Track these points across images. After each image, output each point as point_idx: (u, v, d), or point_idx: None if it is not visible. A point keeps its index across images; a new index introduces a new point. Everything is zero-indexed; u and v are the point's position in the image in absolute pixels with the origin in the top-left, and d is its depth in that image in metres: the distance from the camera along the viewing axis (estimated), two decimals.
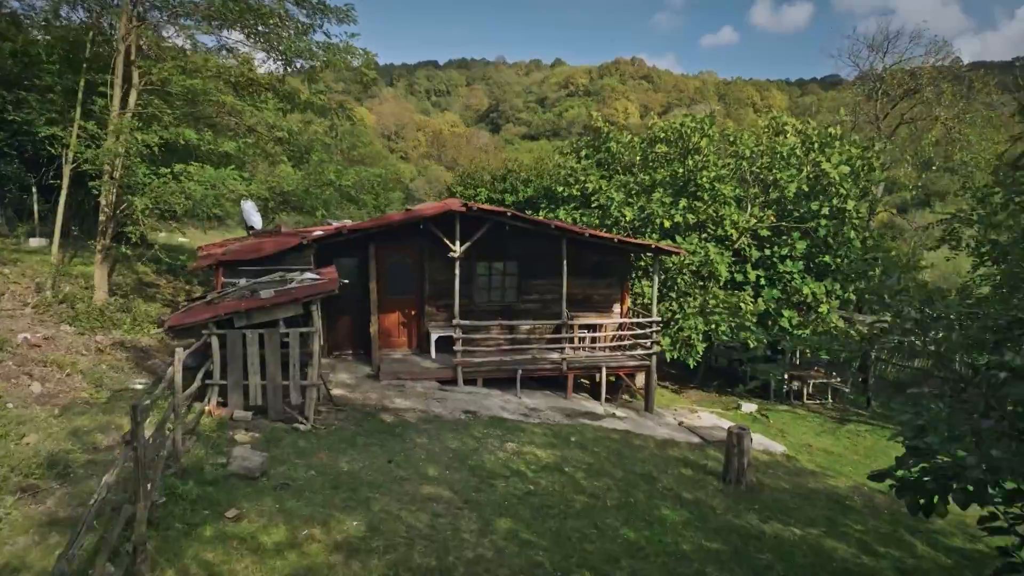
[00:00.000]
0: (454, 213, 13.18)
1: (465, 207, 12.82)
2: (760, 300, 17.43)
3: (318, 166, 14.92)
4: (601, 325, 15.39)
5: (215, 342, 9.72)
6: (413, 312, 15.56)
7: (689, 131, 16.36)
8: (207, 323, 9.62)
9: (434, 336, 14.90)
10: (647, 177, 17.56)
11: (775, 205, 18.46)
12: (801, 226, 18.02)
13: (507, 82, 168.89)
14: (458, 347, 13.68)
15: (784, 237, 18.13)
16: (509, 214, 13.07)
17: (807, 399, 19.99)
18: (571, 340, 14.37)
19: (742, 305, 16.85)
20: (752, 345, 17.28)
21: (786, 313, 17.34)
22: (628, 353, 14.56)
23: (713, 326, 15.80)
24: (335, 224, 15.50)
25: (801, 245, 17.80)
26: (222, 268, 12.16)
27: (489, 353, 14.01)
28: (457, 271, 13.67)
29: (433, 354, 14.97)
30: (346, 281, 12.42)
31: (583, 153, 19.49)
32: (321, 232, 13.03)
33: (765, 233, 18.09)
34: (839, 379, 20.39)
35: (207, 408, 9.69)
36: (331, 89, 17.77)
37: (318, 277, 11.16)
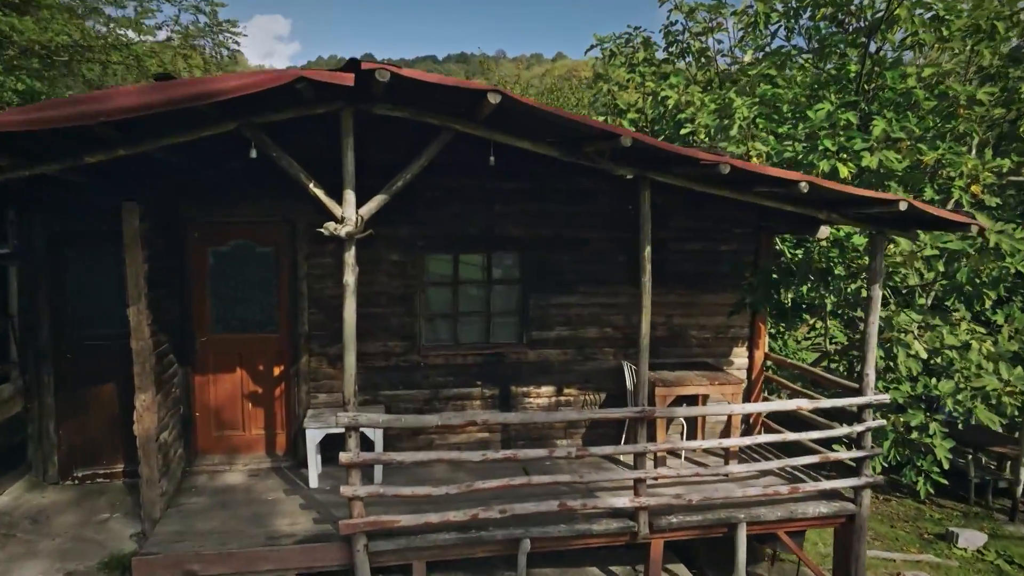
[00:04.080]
0: (334, 91, 4.40)
1: (353, 68, 3.96)
2: (1004, 332, 8.52)
3: None
4: (705, 407, 6.51)
5: None
6: (276, 370, 6.71)
7: None
8: None
9: (314, 437, 6.03)
10: (768, 86, 8.67)
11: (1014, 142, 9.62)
12: None
13: (507, 76, 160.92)
14: (354, 486, 4.84)
15: None
16: (496, 100, 4.17)
17: None
18: (656, 455, 5.48)
19: (973, 343, 7.94)
20: (996, 426, 8.34)
21: None
22: (805, 488, 5.65)
23: (965, 397, 6.90)
24: None
25: None
26: None
27: (446, 499, 5.14)
28: (350, 275, 4.82)
29: (313, 475, 6.12)
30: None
31: (639, 56, 10.57)
32: None
33: (992, 202, 9.18)
34: None
35: None
36: None
37: None
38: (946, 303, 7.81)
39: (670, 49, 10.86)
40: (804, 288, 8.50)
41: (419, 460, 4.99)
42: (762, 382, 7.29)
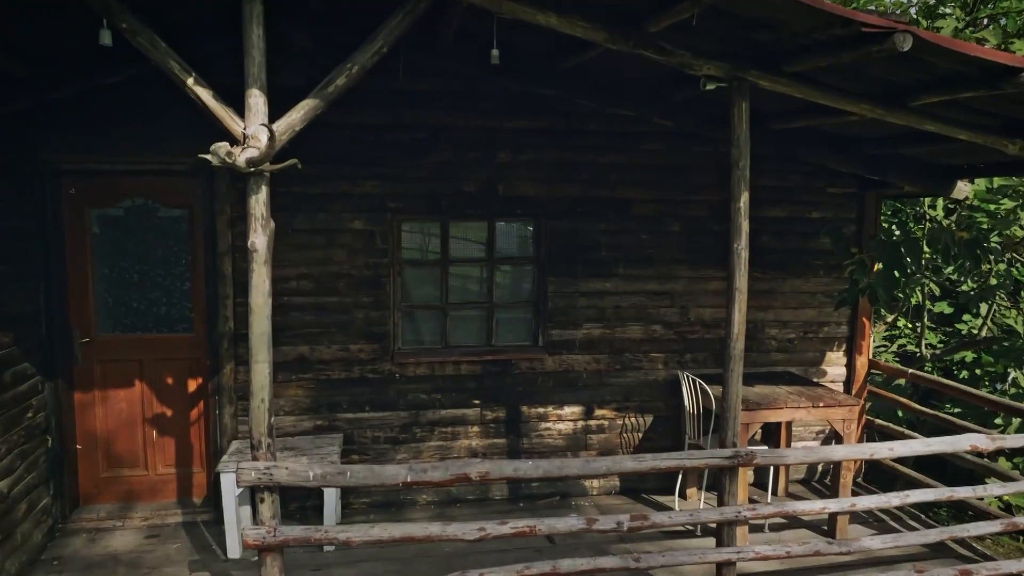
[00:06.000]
0: None
1: None
2: None
3: None
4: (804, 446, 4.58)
5: None
6: (192, 384, 4.78)
7: None
8: None
9: (232, 484, 4.10)
10: None
11: None
12: None
13: None
14: None
15: None
16: None
17: None
18: (741, 520, 3.53)
19: None
20: None
21: None
22: (982, 572, 3.71)
23: None
24: None
25: None
26: None
27: None
28: (260, 235, 2.88)
29: (233, 540, 4.16)
30: None
31: None
32: None
33: None
34: None
35: None
36: None
37: None
38: None
39: None
40: (896, 273, 6.54)
41: (378, 539, 3.04)
42: (864, 400, 5.34)
